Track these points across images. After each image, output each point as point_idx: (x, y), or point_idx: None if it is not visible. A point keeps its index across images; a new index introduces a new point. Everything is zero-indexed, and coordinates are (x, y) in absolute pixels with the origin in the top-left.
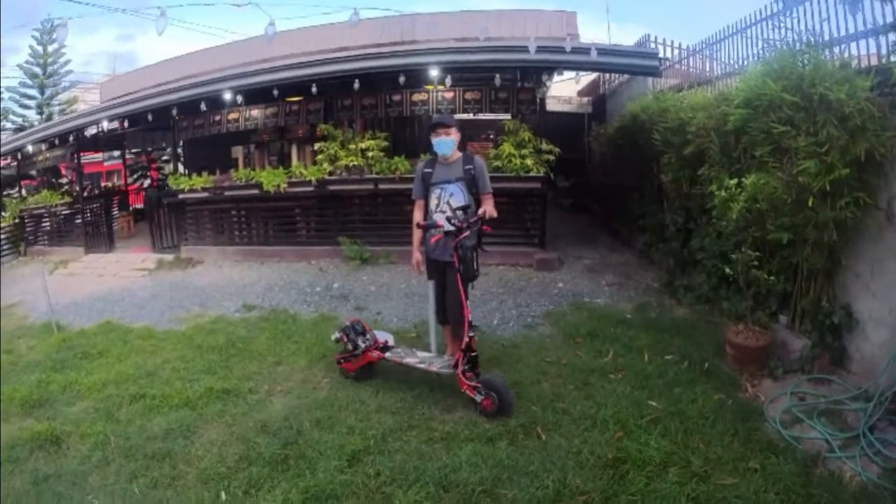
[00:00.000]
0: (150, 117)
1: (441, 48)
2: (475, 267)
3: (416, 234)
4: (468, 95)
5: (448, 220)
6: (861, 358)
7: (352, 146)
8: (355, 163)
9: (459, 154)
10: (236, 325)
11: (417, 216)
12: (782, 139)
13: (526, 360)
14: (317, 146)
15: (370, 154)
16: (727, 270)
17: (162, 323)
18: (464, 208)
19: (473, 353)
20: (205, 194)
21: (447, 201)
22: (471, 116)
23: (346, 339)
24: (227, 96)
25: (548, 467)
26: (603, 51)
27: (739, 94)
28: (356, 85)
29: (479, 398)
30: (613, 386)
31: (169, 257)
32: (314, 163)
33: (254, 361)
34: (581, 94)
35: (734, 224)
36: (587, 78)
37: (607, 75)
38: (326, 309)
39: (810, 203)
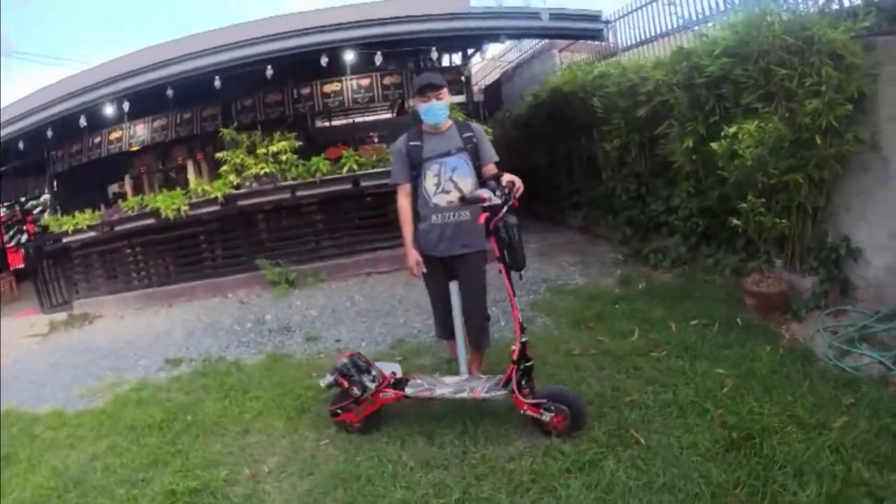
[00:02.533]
0: (21, 146)
1: (356, 21)
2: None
3: (408, 228)
4: (387, 80)
5: (490, 192)
6: (866, 285)
7: (260, 151)
8: (267, 170)
9: (451, 122)
10: (168, 389)
11: (406, 204)
12: (772, 83)
13: (548, 357)
14: (219, 156)
15: (283, 158)
16: (735, 221)
17: (72, 401)
18: (495, 177)
19: (529, 363)
20: (92, 234)
21: (450, 178)
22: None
23: (346, 383)
24: (109, 110)
25: (678, 472)
26: (555, 15)
27: (721, 43)
28: (269, 71)
29: (547, 416)
30: (666, 364)
31: (62, 316)
32: (217, 177)
33: (213, 437)
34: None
35: (745, 170)
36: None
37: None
38: (271, 347)
39: (818, 141)
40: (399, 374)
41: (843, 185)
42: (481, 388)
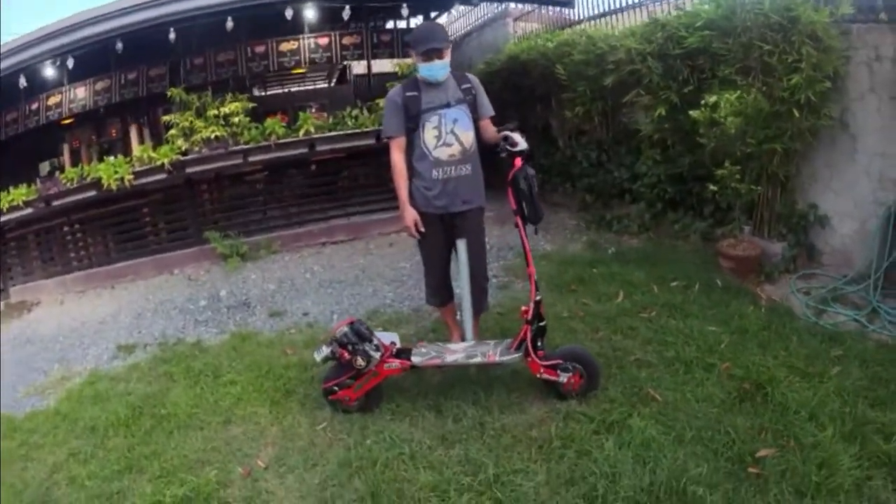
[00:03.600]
0: None
1: None
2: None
3: (404, 184)
4: (346, 41)
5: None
6: (831, 251)
7: (211, 113)
8: (217, 134)
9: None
10: (127, 380)
11: (399, 159)
12: (751, 58)
13: None
14: (166, 119)
15: (235, 120)
16: (711, 187)
17: (19, 402)
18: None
19: (543, 323)
20: (28, 211)
21: (452, 130)
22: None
23: (348, 355)
24: (47, 72)
25: (702, 424)
26: None
27: (703, 16)
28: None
29: (564, 378)
30: (658, 323)
31: None
32: (165, 142)
33: (190, 432)
34: None
35: (726, 138)
36: None
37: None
38: (233, 325)
39: (795, 114)
40: (399, 344)
41: (812, 157)
42: (493, 352)
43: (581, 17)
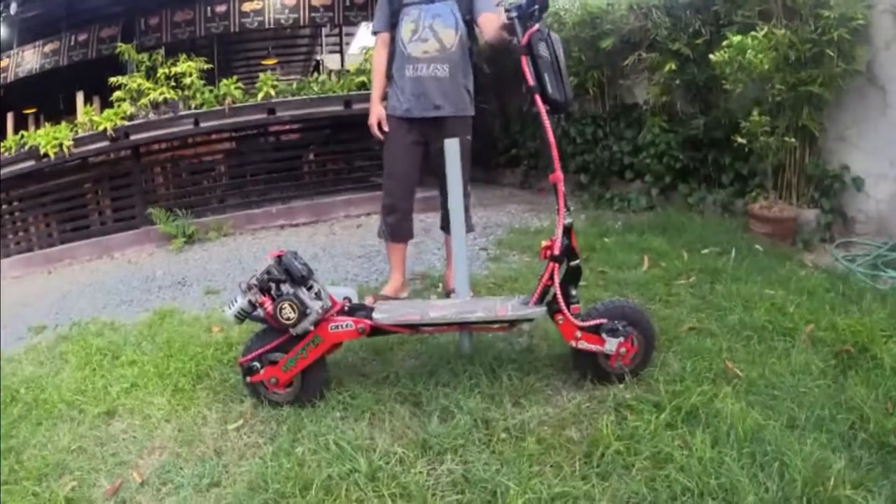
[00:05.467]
0: None
1: None
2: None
3: (377, 80)
4: (316, 1)
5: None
6: (865, 218)
7: (161, 73)
8: (167, 96)
9: None
10: (19, 361)
11: (379, 57)
12: (770, 1)
13: None
14: (113, 80)
15: (187, 81)
16: (739, 140)
17: None
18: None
19: (577, 262)
20: None
21: (430, 26)
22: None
23: (270, 305)
24: None
25: (813, 401)
26: None
27: None
28: None
29: (612, 345)
30: (704, 289)
31: None
32: (109, 105)
33: (62, 424)
34: None
35: (756, 80)
36: None
37: None
38: (159, 302)
39: (829, 53)
40: (355, 300)
41: (838, 114)
42: (503, 306)
43: None
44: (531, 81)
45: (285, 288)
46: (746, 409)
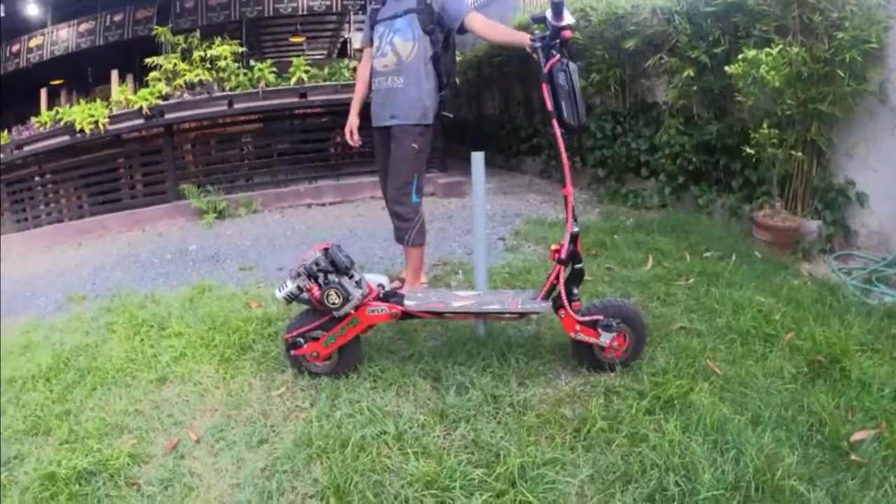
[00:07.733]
0: None
1: None
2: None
3: (358, 92)
4: None
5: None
6: (867, 232)
7: (196, 55)
8: (202, 77)
9: None
10: (64, 330)
11: (362, 69)
12: (789, 17)
13: None
14: (148, 61)
15: (222, 64)
16: (748, 150)
17: None
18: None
19: (580, 266)
20: None
21: (390, 41)
22: None
23: (318, 291)
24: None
25: (779, 402)
26: None
27: None
28: None
29: (606, 338)
30: (698, 291)
31: None
32: (145, 85)
33: (116, 390)
34: None
35: (767, 95)
36: None
37: None
38: (196, 277)
39: (840, 74)
40: (388, 287)
41: (849, 130)
42: (515, 299)
43: None
44: (550, 107)
45: (332, 277)
46: (717, 403)
